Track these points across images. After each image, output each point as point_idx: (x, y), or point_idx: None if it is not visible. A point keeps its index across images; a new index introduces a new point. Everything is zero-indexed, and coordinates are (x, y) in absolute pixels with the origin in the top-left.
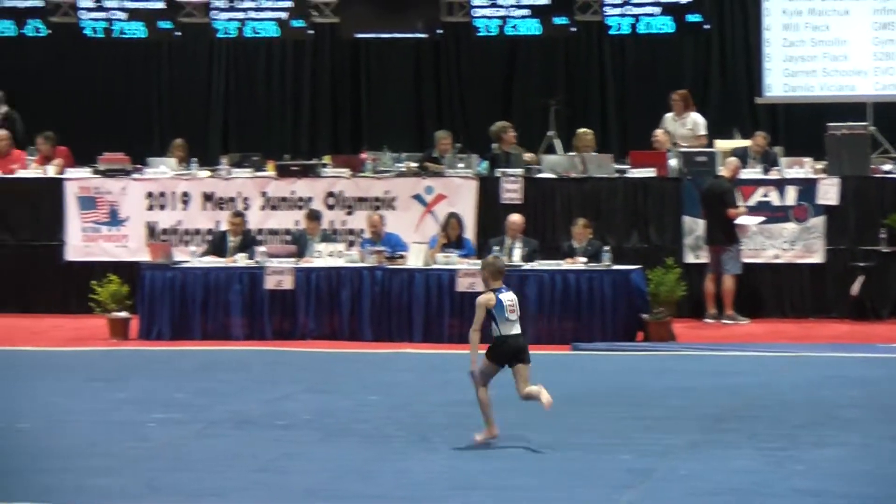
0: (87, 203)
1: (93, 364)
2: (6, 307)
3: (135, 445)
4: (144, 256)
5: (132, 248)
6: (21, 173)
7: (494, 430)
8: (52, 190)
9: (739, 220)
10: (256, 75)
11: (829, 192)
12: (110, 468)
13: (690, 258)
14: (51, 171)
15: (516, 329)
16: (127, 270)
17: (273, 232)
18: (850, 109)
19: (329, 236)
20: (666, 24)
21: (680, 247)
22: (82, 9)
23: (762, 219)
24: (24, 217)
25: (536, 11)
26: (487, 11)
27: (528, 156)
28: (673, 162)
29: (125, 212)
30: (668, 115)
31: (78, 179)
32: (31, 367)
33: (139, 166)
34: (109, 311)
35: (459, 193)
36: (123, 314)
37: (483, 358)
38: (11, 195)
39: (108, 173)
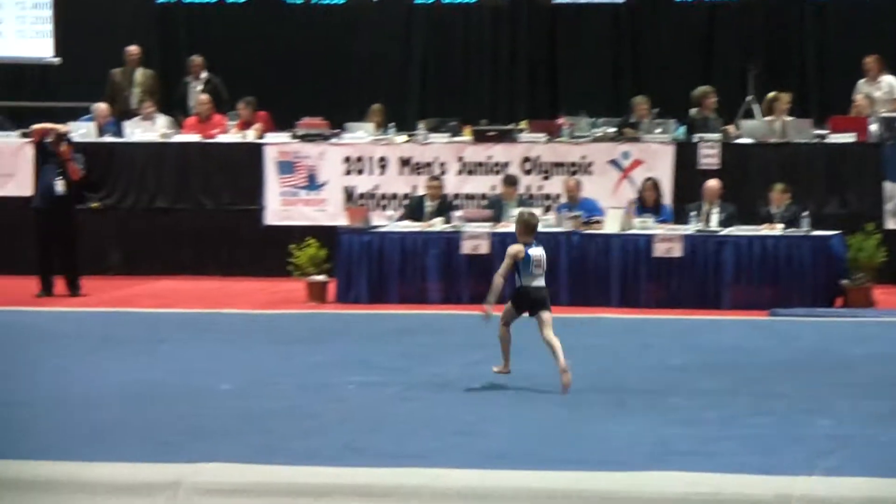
0: (286, 167)
1: (291, 327)
2: (207, 270)
3: (333, 407)
4: (342, 220)
5: (330, 212)
6: (221, 138)
7: (508, 367)
8: (252, 155)
9: None
10: (454, 40)
11: None
12: (309, 430)
13: (891, 224)
14: (250, 135)
15: (538, 282)
16: (325, 234)
17: (469, 197)
18: None
19: (525, 201)
20: None
21: (881, 212)
22: None
23: None
24: (224, 181)
25: None
26: None
27: (728, 128)
28: (873, 127)
29: (323, 176)
30: (862, 80)
31: (277, 144)
32: (231, 330)
33: (337, 131)
34: (308, 274)
35: (656, 159)
36: (321, 277)
37: (508, 303)
38: (212, 160)
39: (306, 138)
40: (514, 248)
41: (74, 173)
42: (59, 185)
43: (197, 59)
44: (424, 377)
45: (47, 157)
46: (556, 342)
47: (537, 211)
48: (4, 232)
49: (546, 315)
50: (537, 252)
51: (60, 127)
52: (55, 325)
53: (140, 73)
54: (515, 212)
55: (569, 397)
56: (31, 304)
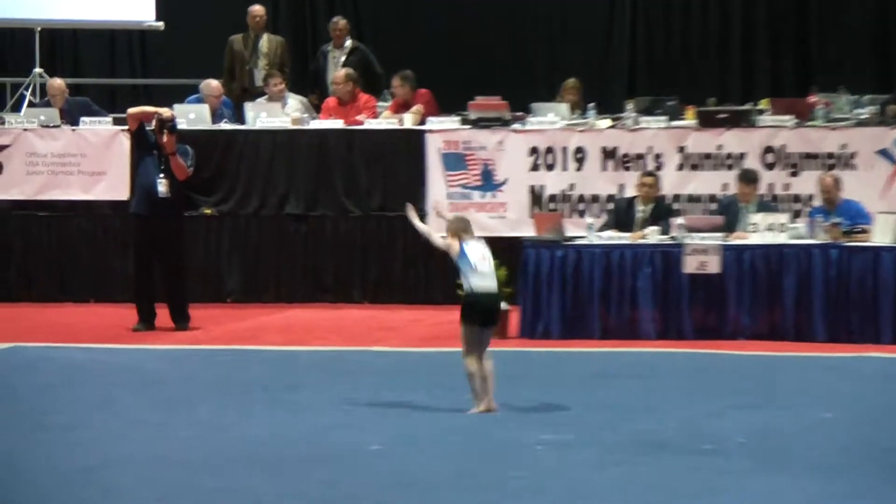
0: (454, 161)
1: (460, 369)
2: (351, 295)
3: (517, 474)
4: (528, 231)
5: (511, 219)
6: (370, 124)
7: (490, 402)
8: (410, 145)
9: None
10: None
11: None
12: (487, 503)
13: None
14: (408, 120)
15: (488, 284)
16: (505, 248)
17: (694, 198)
18: None
19: (767, 204)
20: None
21: None
22: None
23: None
24: (373, 180)
25: None
26: None
27: None
28: None
29: (502, 173)
30: None
31: (442, 131)
32: (381, 372)
33: (521, 114)
34: None
35: None
36: (500, 305)
37: (463, 327)
38: (357, 152)
39: (480, 123)
40: (450, 241)
41: (180, 171)
42: (162, 186)
43: (340, 23)
44: (634, 435)
45: (147, 149)
46: (492, 375)
47: (783, 217)
48: (93, 246)
49: (488, 335)
50: (477, 246)
51: (163, 111)
52: (156, 366)
53: (266, 41)
54: (756, 219)
55: (829, 464)
56: (125, 340)
